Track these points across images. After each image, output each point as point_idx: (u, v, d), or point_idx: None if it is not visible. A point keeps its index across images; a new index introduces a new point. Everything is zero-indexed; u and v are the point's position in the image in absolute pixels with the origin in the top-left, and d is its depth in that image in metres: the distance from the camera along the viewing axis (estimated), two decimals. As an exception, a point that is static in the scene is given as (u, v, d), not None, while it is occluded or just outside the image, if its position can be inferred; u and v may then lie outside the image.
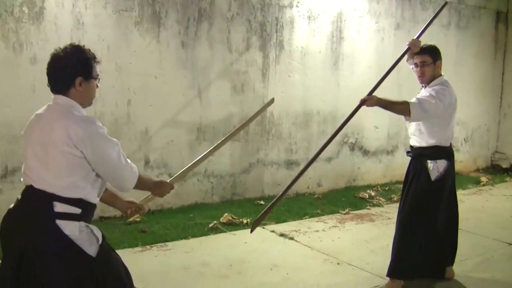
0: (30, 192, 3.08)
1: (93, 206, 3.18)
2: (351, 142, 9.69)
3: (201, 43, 7.75)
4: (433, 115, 4.90)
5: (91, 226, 3.15)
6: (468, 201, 8.99)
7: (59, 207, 2.98)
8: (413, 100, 4.93)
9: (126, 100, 7.22)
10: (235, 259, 5.99)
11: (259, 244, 6.52)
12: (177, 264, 5.78)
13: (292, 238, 6.77)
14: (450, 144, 5.19)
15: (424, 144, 5.12)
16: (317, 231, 7.12)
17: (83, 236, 3.05)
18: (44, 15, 6.44)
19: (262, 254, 6.18)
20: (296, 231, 7.03)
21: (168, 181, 3.74)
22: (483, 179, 10.85)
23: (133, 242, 6.33)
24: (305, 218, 7.69)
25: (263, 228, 7.03)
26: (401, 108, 4.91)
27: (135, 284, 5.13)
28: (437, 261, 5.17)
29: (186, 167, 4.06)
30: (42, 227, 2.98)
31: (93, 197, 3.16)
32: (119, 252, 5.99)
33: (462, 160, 11.47)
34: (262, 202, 8.13)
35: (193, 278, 5.47)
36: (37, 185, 3.02)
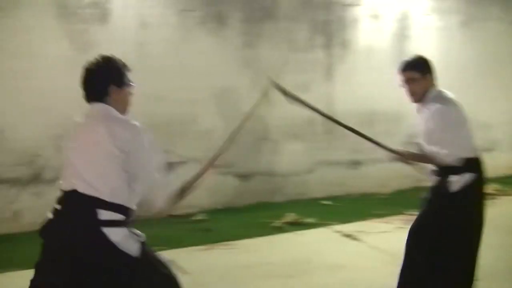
0: (73, 198, 3.08)
1: (133, 211, 3.19)
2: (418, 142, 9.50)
3: (265, 42, 7.75)
4: (448, 145, 4.39)
5: (132, 229, 3.16)
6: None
7: (104, 215, 3.00)
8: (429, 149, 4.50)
9: (190, 99, 7.28)
10: (299, 258, 5.94)
11: (324, 244, 6.46)
12: (241, 263, 5.77)
13: (357, 239, 6.68)
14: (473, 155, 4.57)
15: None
16: (383, 232, 7.01)
17: (127, 240, 3.08)
18: (109, 16, 6.56)
19: (326, 254, 6.12)
20: (361, 232, 6.93)
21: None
22: None
23: (197, 240, 6.38)
24: (371, 219, 7.58)
25: (328, 228, 6.97)
26: (430, 159, 4.53)
27: (199, 281, 5.20)
28: None
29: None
30: (90, 235, 2.99)
31: (133, 203, 3.17)
32: (184, 250, 6.10)
33: None
34: (326, 202, 8.07)
35: (257, 277, 5.45)
36: (81, 190, 3.03)
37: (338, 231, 6.94)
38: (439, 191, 4.52)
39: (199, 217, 7.15)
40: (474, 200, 4.54)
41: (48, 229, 3.13)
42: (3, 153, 6.40)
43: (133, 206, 3.16)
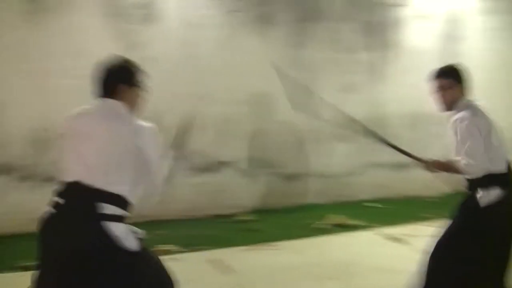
0: (76, 190, 3.11)
1: (132, 207, 3.22)
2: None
3: (310, 42, 7.74)
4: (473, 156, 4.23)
5: (130, 226, 3.19)
6: None
7: (106, 208, 3.02)
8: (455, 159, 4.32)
9: (235, 99, 7.32)
10: (344, 260, 5.91)
11: (368, 246, 6.41)
12: (285, 264, 5.77)
13: (402, 242, 6.61)
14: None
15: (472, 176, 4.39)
16: (428, 235, 6.91)
17: (127, 235, 3.10)
18: (156, 16, 6.63)
19: (371, 257, 6.07)
20: (406, 235, 6.86)
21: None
22: None
23: (242, 240, 6.40)
24: (416, 222, 7.49)
25: (373, 230, 6.92)
26: (455, 170, 4.35)
27: (244, 281, 5.22)
28: None
29: None
30: (91, 229, 3.01)
31: (134, 198, 3.20)
32: (228, 249, 6.13)
33: None
34: (372, 204, 8.01)
35: (301, 278, 5.44)
36: (86, 181, 3.05)
37: (383, 234, 6.88)
38: (467, 205, 4.39)
39: (245, 217, 7.18)
40: (503, 217, 4.36)
41: (48, 223, 3.14)
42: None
43: (133, 200, 3.20)
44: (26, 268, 4.75)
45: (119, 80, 3.27)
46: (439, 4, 8.77)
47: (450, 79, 4.48)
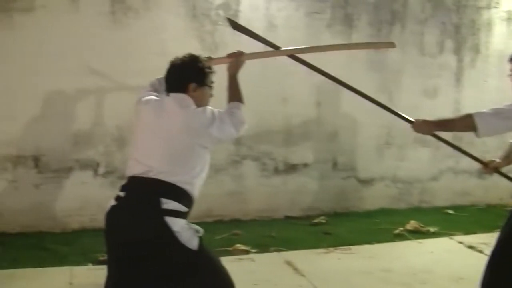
0: (136, 184, 3.18)
1: (193, 202, 3.25)
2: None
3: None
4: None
5: (190, 223, 3.22)
6: None
7: (166, 203, 3.06)
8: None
9: (315, 101, 7.34)
10: (419, 268, 5.82)
11: (446, 254, 6.29)
12: (360, 268, 5.73)
13: (481, 251, 6.44)
14: None
15: None
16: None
17: (187, 231, 3.11)
18: (238, 17, 6.70)
19: (447, 265, 5.95)
20: (485, 244, 6.66)
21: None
22: None
23: (317, 243, 6.39)
24: (496, 231, 7.27)
25: (451, 238, 6.79)
26: (463, 124, 4.00)
27: (317, 283, 5.22)
28: None
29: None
30: (151, 224, 3.06)
31: (196, 191, 3.24)
32: (302, 252, 6.14)
33: None
34: (450, 211, 7.86)
35: (375, 284, 5.39)
36: (151, 174, 3.12)
37: (461, 242, 6.73)
38: None
39: (319, 220, 7.17)
40: None
41: (109, 217, 3.22)
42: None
43: (195, 193, 3.24)
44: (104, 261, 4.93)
45: (190, 78, 3.35)
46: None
47: None
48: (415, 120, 4.23)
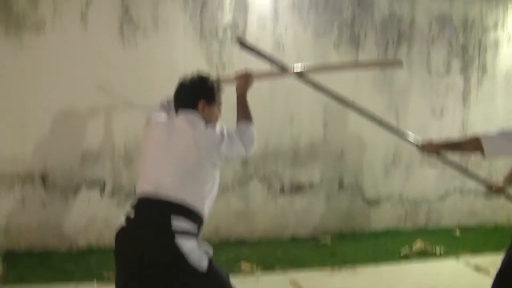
0: (146, 204, 3.18)
1: (203, 222, 3.25)
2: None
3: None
4: None
5: (200, 242, 3.20)
6: None
7: (177, 223, 3.06)
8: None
9: (322, 120, 7.35)
10: (425, 288, 5.81)
11: (452, 275, 6.27)
12: (365, 289, 5.73)
13: (488, 272, 6.41)
14: None
15: None
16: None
17: (197, 253, 3.11)
18: (246, 37, 6.74)
19: (454, 286, 5.94)
20: (493, 266, 6.64)
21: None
22: None
23: (322, 263, 6.38)
24: (503, 252, 7.25)
25: (458, 259, 6.76)
26: (469, 145, 3.96)
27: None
28: None
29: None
30: (161, 245, 3.06)
31: (206, 211, 3.25)
32: (307, 271, 6.12)
33: None
34: (457, 232, 7.84)
35: (381, 305, 5.39)
36: (161, 196, 3.12)
37: (467, 262, 6.71)
38: None
39: (325, 239, 7.16)
40: None
41: (119, 237, 3.22)
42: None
43: (205, 213, 3.24)
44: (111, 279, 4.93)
45: (200, 95, 3.38)
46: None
47: None
48: (422, 140, 4.24)
